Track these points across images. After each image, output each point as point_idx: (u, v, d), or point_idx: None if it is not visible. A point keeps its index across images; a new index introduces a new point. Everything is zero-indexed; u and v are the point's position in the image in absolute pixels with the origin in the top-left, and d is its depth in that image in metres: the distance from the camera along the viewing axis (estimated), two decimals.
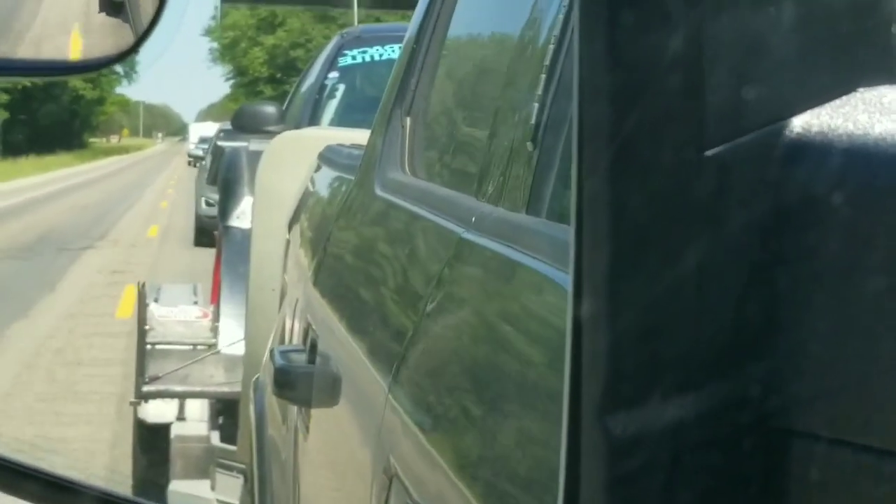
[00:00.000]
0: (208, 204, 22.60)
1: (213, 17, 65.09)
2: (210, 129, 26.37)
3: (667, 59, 0.59)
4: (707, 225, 0.60)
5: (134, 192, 34.18)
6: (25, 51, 1.44)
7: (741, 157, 0.60)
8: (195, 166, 25.77)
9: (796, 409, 0.61)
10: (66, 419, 8.86)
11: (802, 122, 0.62)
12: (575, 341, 0.61)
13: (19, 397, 9.55)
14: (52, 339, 11.78)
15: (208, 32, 69.12)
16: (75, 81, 64.12)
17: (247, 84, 59.36)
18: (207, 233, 21.94)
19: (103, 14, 1.41)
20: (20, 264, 17.02)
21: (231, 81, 66.57)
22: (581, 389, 0.60)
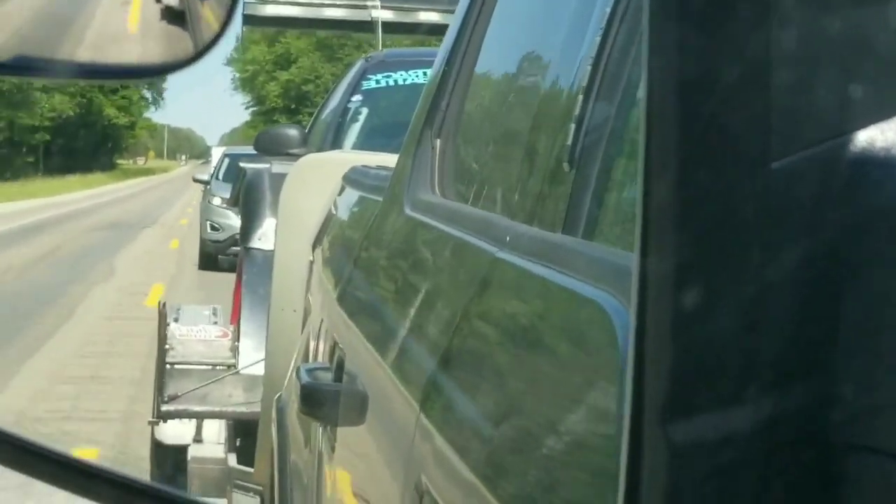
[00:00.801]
0: (213, 228, 22.59)
1: (236, 48, 71.28)
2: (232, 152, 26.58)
3: (735, 70, 0.59)
4: (773, 237, 0.60)
5: (165, 203, 47.80)
6: (84, 54, 1.45)
7: (807, 170, 0.60)
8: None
9: (857, 423, 0.61)
10: (158, 270, 21.26)
11: (868, 137, 0.62)
12: (638, 348, 0.61)
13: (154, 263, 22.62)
14: (145, 254, 25.36)
15: (230, 62, 74.77)
16: (109, 109, 72.71)
17: (264, 113, 64.97)
18: (212, 257, 21.99)
19: (164, 21, 1.42)
20: (108, 234, 30.25)
21: (251, 110, 73.15)
22: (643, 396, 0.60)
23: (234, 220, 22.21)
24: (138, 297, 16.86)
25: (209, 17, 1.42)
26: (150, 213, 40.62)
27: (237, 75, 72.72)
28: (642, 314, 0.61)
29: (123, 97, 76.53)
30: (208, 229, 22.93)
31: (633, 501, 0.60)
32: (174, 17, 1.42)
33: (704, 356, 0.61)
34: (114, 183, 68.24)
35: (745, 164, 0.60)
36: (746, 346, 0.61)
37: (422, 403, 1.67)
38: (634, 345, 0.62)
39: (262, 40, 63.39)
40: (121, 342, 13.41)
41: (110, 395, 10.73)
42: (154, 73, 1.55)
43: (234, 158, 24.76)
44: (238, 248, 21.07)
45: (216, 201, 23.34)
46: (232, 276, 7.27)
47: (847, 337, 0.60)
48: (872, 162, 0.62)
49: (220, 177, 24.93)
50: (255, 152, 7.63)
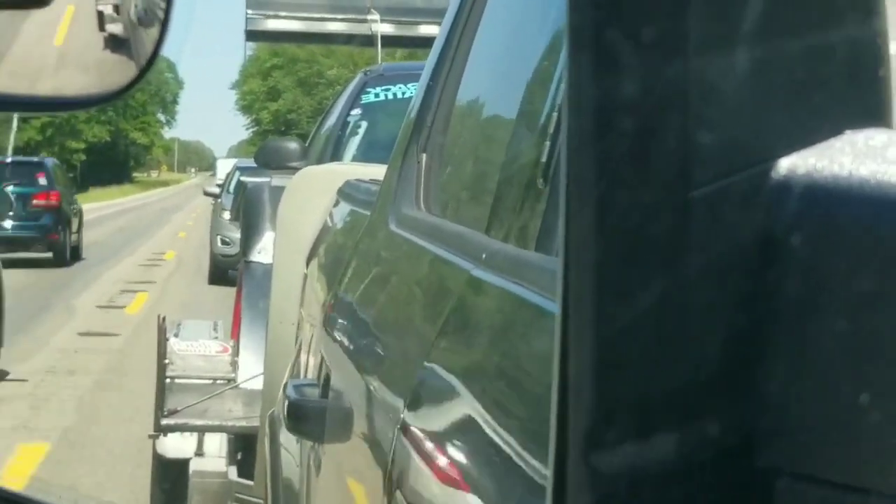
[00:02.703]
0: (224, 242, 22.21)
1: (240, 72, 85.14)
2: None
3: (653, 99, 0.59)
4: (693, 264, 0.61)
5: (187, 200, 66.58)
6: (21, 86, 1.46)
7: (728, 198, 0.61)
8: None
9: (782, 447, 0.61)
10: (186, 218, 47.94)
11: (789, 164, 0.62)
12: (561, 378, 0.61)
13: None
14: (183, 224, 44.29)
15: (234, 86, 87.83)
16: (134, 133, 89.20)
17: (261, 133, 76.27)
18: (223, 271, 21.63)
19: (106, 51, 1.42)
20: (154, 217, 47.65)
21: (250, 130, 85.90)
22: (567, 426, 0.60)
23: None
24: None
25: (146, 42, 1.43)
26: (179, 204, 65.07)
27: (238, 101, 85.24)
28: (565, 348, 0.61)
29: (143, 122, 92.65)
30: (219, 244, 22.51)
31: None
32: (118, 45, 1.43)
33: (626, 384, 0.61)
34: (140, 193, 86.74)
35: (665, 193, 0.60)
36: (668, 373, 0.61)
37: (401, 420, 1.68)
38: (558, 374, 0.62)
39: (257, 74, 77.19)
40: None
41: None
42: (96, 103, 1.56)
43: (244, 171, 24.54)
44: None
45: (226, 215, 22.77)
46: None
47: (769, 360, 0.61)
48: (794, 188, 0.62)
49: (231, 190, 24.21)
50: None
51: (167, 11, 1.42)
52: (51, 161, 27.52)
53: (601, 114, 0.59)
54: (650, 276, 0.60)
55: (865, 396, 0.56)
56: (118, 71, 1.44)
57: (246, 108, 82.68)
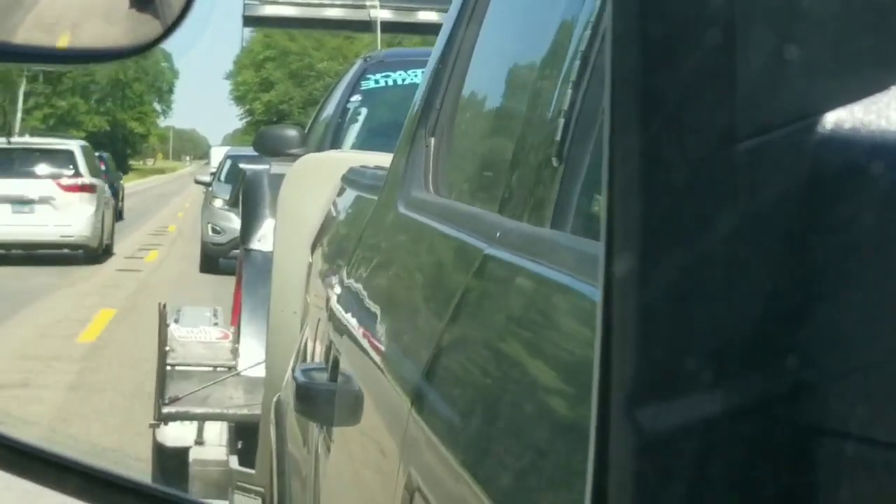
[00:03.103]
0: (214, 231, 22.25)
1: (234, 63, 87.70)
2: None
3: (698, 51, 0.58)
4: (740, 222, 0.60)
5: (182, 188, 68.97)
6: (47, 38, 1.45)
7: (772, 151, 0.60)
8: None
9: (829, 407, 0.60)
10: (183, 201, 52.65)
11: (835, 118, 0.62)
12: (605, 335, 0.61)
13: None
14: (181, 206, 49.72)
15: (228, 76, 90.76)
16: (131, 123, 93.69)
17: (254, 123, 78.51)
18: (213, 260, 21.73)
19: (133, 8, 1.42)
20: (153, 201, 53.90)
21: (244, 120, 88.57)
22: (610, 383, 0.60)
23: (235, 223, 21.89)
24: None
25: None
26: (175, 190, 69.15)
27: (232, 92, 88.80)
28: (608, 301, 0.61)
29: (140, 112, 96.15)
30: (209, 232, 22.48)
31: (601, 489, 0.60)
32: (143, 3, 1.42)
33: (671, 343, 0.60)
34: (138, 179, 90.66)
35: (711, 145, 0.59)
36: (714, 332, 0.60)
37: (412, 401, 1.67)
38: (602, 332, 0.61)
39: (250, 66, 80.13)
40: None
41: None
42: (120, 56, 1.54)
43: (237, 160, 24.60)
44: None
45: (217, 203, 22.86)
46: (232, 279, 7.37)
47: (815, 320, 0.60)
48: (839, 143, 0.62)
49: (223, 178, 24.44)
50: (255, 153, 7.64)
51: None
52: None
53: (650, 50, 0.58)
54: (698, 225, 0.59)
55: None
56: (145, 25, 1.44)
57: (239, 99, 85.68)
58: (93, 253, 23.75)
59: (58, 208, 23.03)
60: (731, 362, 0.60)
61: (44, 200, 23.05)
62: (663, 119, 0.58)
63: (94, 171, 24.52)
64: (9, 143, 25.05)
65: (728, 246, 0.58)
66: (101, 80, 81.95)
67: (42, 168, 23.63)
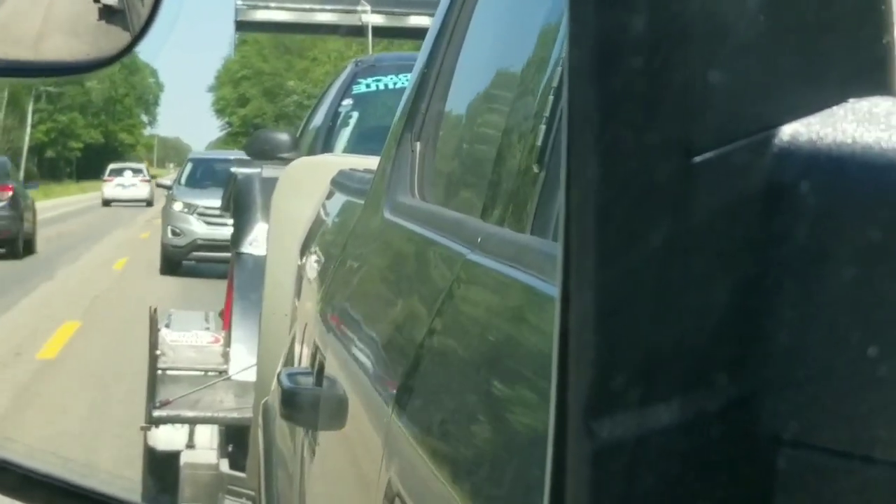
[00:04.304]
0: (174, 233, 22.61)
1: (216, 77, 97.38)
2: None
3: (660, 35, 0.59)
4: (697, 232, 0.60)
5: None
6: (11, 51, 1.45)
7: (729, 165, 0.60)
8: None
9: (785, 417, 0.61)
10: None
11: (791, 131, 0.62)
12: (562, 345, 0.61)
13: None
14: (150, 216, 41.69)
15: (210, 89, 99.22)
16: (122, 135, 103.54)
17: (233, 134, 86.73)
18: (173, 262, 22.08)
19: (101, 20, 1.42)
20: (131, 210, 52.29)
21: (224, 131, 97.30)
22: (567, 393, 0.60)
23: (195, 226, 22.86)
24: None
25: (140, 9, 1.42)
26: (160, 193, 74.14)
27: (213, 105, 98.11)
28: (565, 310, 0.61)
29: (129, 124, 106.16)
30: (169, 234, 22.87)
31: (559, 496, 0.60)
32: (113, 15, 1.42)
33: (628, 351, 0.61)
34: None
35: (667, 158, 0.60)
36: (671, 341, 0.61)
37: (394, 405, 1.67)
38: (558, 340, 0.62)
39: (229, 83, 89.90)
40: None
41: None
42: (89, 69, 1.54)
43: (198, 163, 25.26)
44: (199, 254, 21.57)
45: (177, 206, 23.32)
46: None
47: (773, 330, 0.61)
48: (797, 156, 0.62)
49: (183, 181, 25.02)
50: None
51: None
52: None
53: (606, 49, 0.59)
54: (655, 221, 0.59)
55: (874, 349, 0.56)
56: (111, 38, 1.44)
57: (220, 112, 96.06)
58: None
59: None
60: (688, 372, 0.61)
61: None
62: (616, 134, 0.58)
63: None
64: None
65: (678, 259, 0.59)
66: (96, 99, 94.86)
67: None
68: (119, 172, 57.81)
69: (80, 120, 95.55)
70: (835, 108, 0.63)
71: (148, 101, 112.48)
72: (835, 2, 0.62)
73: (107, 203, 55.68)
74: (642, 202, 0.59)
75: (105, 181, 57.92)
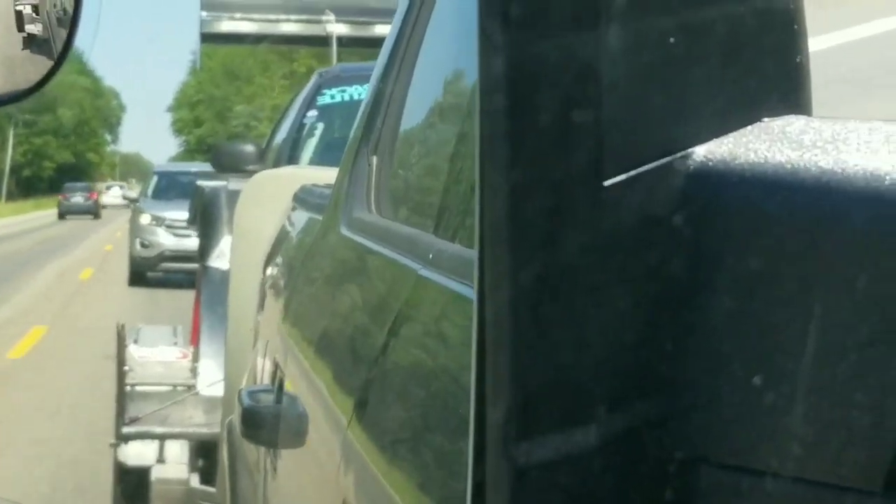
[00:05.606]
0: (143, 245, 22.84)
1: (174, 99, 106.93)
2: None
3: (563, 89, 0.59)
4: (610, 256, 0.60)
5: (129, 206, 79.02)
6: None
7: (641, 187, 0.60)
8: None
9: (699, 437, 0.60)
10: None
11: (706, 151, 0.62)
12: (479, 370, 0.61)
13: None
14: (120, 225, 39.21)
15: (169, 109, 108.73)
16: (89, 155, 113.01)
17: (190, 151, 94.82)
18: (141, 274, 22.32)
19: (24, 50, 1.41)
20: (108, 214, 64.30)
21: (181, 149, 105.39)
22: (486, 418, 0.60)
23: (162, 237, 23.15)
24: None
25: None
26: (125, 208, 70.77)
27: (171, 125, 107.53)
28: (481, 340, 0.61)
29: (95, 143, 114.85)
30: (138, 246, 23.15)
31: None
32: (38, 45, 1.41)
33: (545, 377, 0.60)
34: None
35: (578, 183, 0.60)
36: (587, 366, 0.60)
37: (350, 422, 1.67)
38: (476, 367, 0.62)
39: (185, 105, 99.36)
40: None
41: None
42: (17, 99, 1.54)
43: (163, 176, 25.56)
44: (167, 265, 21.85)
45: (145, 219, 23.64)
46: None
47: (687, 352, 0.60)
48: (711, 174, 0.62)
49: (150, 194, 25.32)
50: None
51: (76, 9, 1.40)
52: None
53: (483, 92, 0.59)
54: (568, 271, 0.59)
55: (758, 378, 0.56)
56: (29, 68, 1.43)
57: (178, 131, 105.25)
58: None
59: None
60: (605, 396, 0.60)
61: None
62: (527, 160, 0.58)
63: None
64: None
65: (592, 281, 0.59)
66: (67, 123, 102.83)
67: None
68: (72, 191, 68.56)
69: (53, 142, 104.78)
70: (748, 127, 0.63)
71: (112, 122, 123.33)
72: (748, 23, 0.62)
73: (62, 216, 64.99)
74: (552, 231, 0.59)
75: (61, 198, 68.79)
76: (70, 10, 1.41)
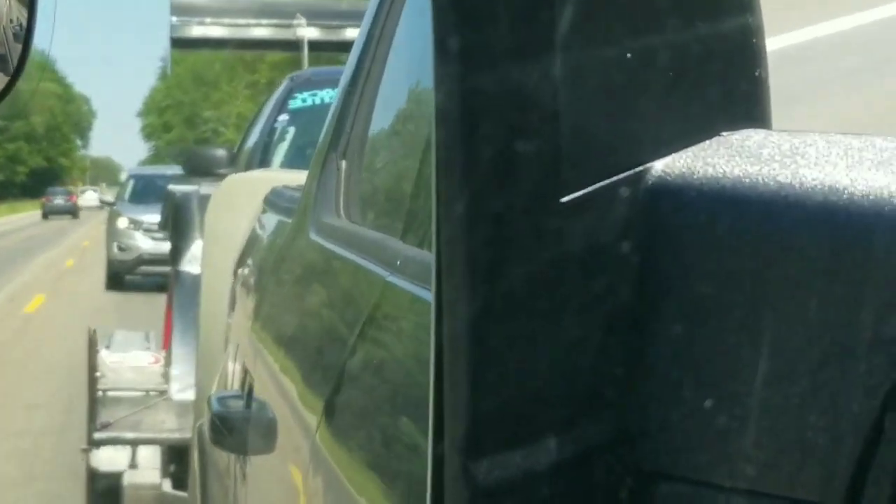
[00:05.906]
0: (120, 249, 22.88)
1: (144, 104, 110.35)
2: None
3: (519, 103, 0.58)
4: (567, 273, 0.60)
5: (102, 210, 77.21)
6: None
7: (588, 214, 0.60)
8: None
9: (661, 452, 0.60)
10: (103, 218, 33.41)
11: (663, 166, 0.62)
12: (437, 387, 0.61)
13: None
14: (102, 221, 32.92)
15: (139, 114, 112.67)
16: (61, 159, 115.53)
17: (159, 156, 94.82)
18: (119, 277, 22.40)
19: None
20: (83, 216, 67.11)
21: (151, 154, 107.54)
22: (444, 434, 0.60)
23: (139, 241, 23.22)
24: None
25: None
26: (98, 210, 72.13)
27: (141, 131, 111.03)
28: (439, 356, 0.61)
29: (66, 148, 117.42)
30: (115, 250, 23.18)
31: None
32: None
33: (503, 395, 0.60)
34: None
35: (534, 199, 0.59)
36: (547, 384, 0.60)
37: (318, 428, 1.66)
38: (434, 384, 0.61)
39: (154, 111, 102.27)
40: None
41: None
42: None
43: (139, 179, 25.66)
44: (145, 268, 22.15)
45: (123, 223, 23.66)
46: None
47: (637, 377, 0.60)
48: (669, 189, 0.62)
49: (127, 198, 25.34)
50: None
51: (29, 22, 1.40)
52: None
53: (435, 123, 0.59)
54: (525, 289, 0.59)
55: (709, 401, 0.56)
56: None
57: (147, 136, 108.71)
58: None
59: None
60: (564, 414, 0.60)
61: None
62: (474, 191, 0.58)
63: None
64: None
65: (539, 308, 0.58)
66: (39, 129, 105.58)
67: None
68: (54, 194, 75.85)
69: (26, 147, 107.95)
70: (706, 142, 0.63)
71: (83, 126, 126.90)
72: (707, 37, 0.62)
73: (45, 216, 71.04)
74: (510, 246, 0.59)
75: (45, 200, 75.76)
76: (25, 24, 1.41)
